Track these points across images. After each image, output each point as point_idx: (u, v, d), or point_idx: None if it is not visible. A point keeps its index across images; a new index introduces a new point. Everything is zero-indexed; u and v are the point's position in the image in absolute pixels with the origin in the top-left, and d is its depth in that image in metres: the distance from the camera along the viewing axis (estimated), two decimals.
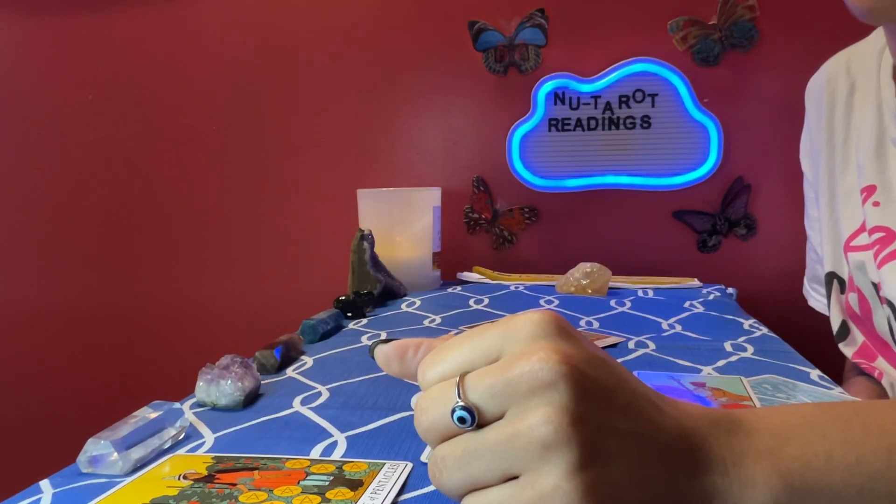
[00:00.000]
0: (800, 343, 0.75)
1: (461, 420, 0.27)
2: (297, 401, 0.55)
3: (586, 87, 1.28)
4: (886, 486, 0.28)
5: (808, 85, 0.84)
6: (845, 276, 0.74)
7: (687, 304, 0.95)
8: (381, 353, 0.33)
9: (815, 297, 0.88)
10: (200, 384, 0.55)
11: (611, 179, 1.29)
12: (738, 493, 0.28)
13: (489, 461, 0.26)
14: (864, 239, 0.69)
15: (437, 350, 0.30)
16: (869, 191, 0.69)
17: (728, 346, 0.72)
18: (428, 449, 0.44)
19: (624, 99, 1.27)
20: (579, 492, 0.25)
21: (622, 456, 0.26)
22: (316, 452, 0.44)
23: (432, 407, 0.28)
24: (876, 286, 0.67)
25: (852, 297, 0.73)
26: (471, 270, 1.25)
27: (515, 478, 0.26)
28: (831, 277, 0.77)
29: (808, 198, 0.87)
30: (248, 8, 1.41)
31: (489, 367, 0.28)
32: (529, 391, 0.26)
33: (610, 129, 1.28)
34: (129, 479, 0.41)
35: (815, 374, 0.62)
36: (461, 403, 0.27)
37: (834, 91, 0.78)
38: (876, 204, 0.67)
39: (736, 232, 1.26)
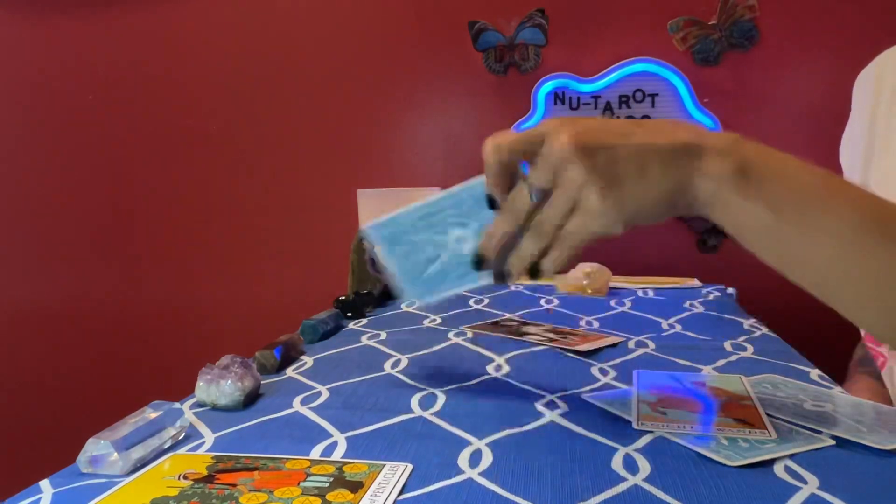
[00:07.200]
0: (800, 343, 0.75)
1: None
2: (297, 401, 0.55)
3: (586, 87, 1.28)
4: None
5: (856, 79, 0.85)
6: None
7: (687, 304, 0.95)
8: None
9: None
10: (200, 384, 0.55)
11: None
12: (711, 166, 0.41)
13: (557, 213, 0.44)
14: None
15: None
16: None
17: (728, 346, 0.71)
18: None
19: (624, 99, 1.27)
20: (607, 205, 0.42)
21: (627, 174, 0.42)
22: (316, 452, 0.44)
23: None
24: None
25: None
26: None
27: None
28: None
29: None
30: (248, 9, 1.41)
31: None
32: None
33: None
34: (129, 479, 0.41)
35: (814, 373, 0.62)
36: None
37: (882, 82, 0.78)
38: None
39: None
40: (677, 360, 0.66)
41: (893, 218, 0.41)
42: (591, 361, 0.66)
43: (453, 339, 0.76)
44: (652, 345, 0.72)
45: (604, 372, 0.62)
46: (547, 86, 1.29)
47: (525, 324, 0.82)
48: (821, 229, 0.40)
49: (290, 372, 0.65)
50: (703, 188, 0.42)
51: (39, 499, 0.39)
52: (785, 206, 0.41)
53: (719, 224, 0.44)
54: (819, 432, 0.46)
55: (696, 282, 1.15)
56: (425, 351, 0.70)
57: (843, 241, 0.40)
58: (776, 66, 1.24)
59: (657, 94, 1.26)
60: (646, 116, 1.26)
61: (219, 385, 0.54)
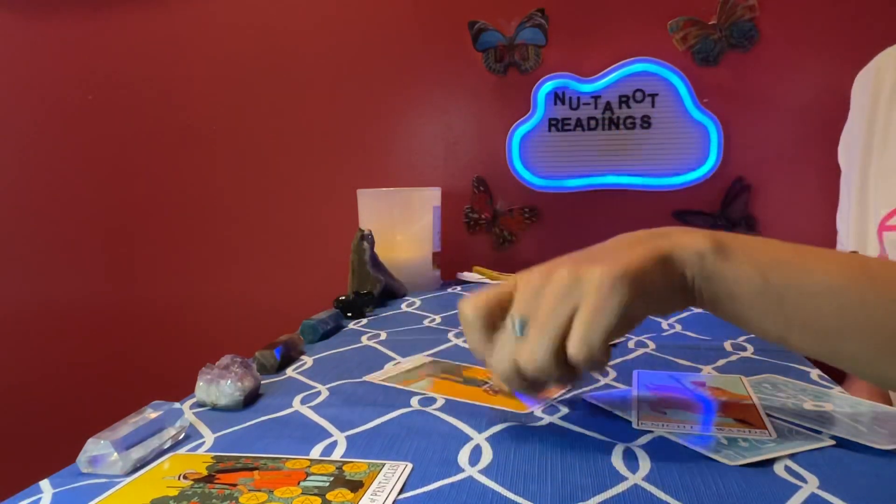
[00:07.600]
0: None
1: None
2: (296, 400, 0.55)
3: (586, 87, 1.28)
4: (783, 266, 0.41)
5: (855, 79, 0.85)
6: (876, 255, 0.75)
7: None
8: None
9: None
10: (200, 384, 0.55)
11: (611, 179, 1.29)
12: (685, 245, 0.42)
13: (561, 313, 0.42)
14: None
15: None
16: None
17: (728, 346, 0.72)
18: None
19: (624, 99, 1.27)
20: (607, 266, 0.41)
21: (613, 250, 0.44)
22: (316, 452, 0.44)
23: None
24: None
25: None
26: (471, 270, 1.25)
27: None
28: None
29: (843, 193, 0.88)
30: (248, 8, 1.41)
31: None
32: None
33: (610, 129, 1.28)
34: (129, 479, 0.41)
35: (814, 373, 0.62)
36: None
37: (881, 81, 0.79)
38: None
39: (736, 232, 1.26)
40: (677, 360, 0.66)
41: (876, 268, 0.42)
42: None
43: (453, 339, 0.76)
44: (652, 345, 0.72)
45: (604, 372, 0.62)
46: (547, 86, 1.29)
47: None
48: (812, 283, 0.41)
49: (290, 372, 0.65)
50: (689, 263, 0.42)
51: (39, 499, 0.39)
52: (769, 268, 0.42)
53: (716, 313, 0.44)
54: (819, 432, 0.46)
55: None
56: (425, 351, 0.70)
57: (837, 294, 0.40)
58: (776, 66, 1.24)
59: (657, 94, 1.26)
60: (646, 116, 1.26)
61: (219, 385, 0.54)
